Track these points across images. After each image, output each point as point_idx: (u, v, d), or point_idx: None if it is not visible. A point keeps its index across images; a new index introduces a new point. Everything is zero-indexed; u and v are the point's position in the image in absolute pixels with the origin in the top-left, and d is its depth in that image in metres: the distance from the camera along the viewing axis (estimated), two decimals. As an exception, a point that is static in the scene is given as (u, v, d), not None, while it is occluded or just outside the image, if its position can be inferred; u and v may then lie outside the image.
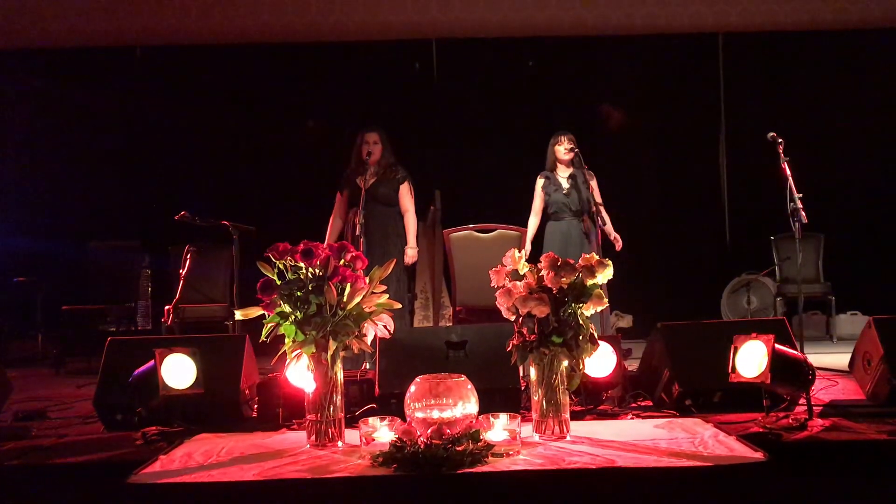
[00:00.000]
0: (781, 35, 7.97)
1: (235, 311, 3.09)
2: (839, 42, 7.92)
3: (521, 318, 2.96)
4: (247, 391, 3.56)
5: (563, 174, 5.47)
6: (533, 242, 5.49)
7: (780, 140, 4.84)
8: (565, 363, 2.92)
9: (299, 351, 2.88)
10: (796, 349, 3.46)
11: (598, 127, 7.90)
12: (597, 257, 2.97)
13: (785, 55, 7.97)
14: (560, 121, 6.28)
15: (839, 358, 4.71)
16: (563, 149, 5.39)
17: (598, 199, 5.40)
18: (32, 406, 3.96)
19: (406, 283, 5.37)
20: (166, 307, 5.71)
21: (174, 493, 2.47)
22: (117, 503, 2.55)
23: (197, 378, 3.20)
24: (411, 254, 5.23)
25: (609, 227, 5.42)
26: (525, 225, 5.48)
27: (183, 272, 5.56)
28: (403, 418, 2.85)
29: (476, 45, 7.99)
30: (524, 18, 7.96)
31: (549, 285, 2.91)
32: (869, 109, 7.78)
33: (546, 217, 5.54)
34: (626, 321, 7.29)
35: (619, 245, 5.38)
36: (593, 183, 5.42)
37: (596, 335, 2.99)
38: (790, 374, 3.14)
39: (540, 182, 5.52)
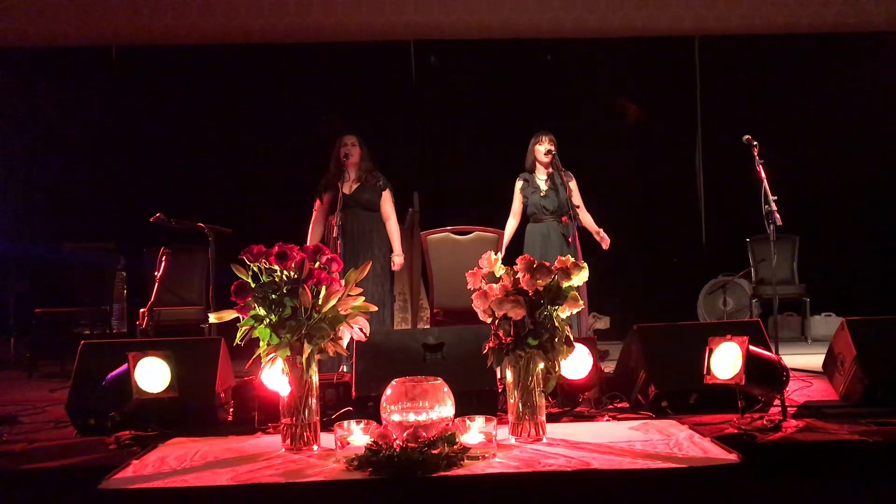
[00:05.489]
0: (757, 38, 8.04)
1: (210, 314, 3.06)
2: (814, 45, 8.01)
3: (497, 321, 2.95)
4: (222, 395, 3.52)
5: (541, 176, 5.47)
6: (512, 244, 5.50)
7: (755, 143, 4.87)
8: (541, 365, 2.91)
9: (274, 354, 2.86)
10: (771, 350, 3.48)
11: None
12: (572, 259, 2.97)
13: (761, 58, 8.04)
14: (538, 122, 6.29)
15: (813, 359, 4.75)
16: (542, 149, 5.39)
17: (577, 200, 5.41)
18: (3, 411, 3.90)
19: (389, 288, 5.35)
20: (141, 310, 5.67)
21: (146, 498, 2.44)
22: (89, 509, 2.52)
23: (171, 382, 3.17)
24: (398, 261, 5.27)
25: (592, 226, 5.43)
26: (503, 227, 5.48)
27: (158, 274, 5.52)
28: (380, 421, 2.84)
29: (454, 47, 8.00)
30: (502, 21, 7.97)
31: (525, 287, 2.90)
32: (843, 112, 7.87)
33: (525, 219, 5.54)
34: (603, 323, 7.32)
35: (605, 244, 5.39)
36: (572, 184, 5.42)
37: (572, 337, 2.99)
38: (765, 376, 3.16)
39: (518, 184, 5.53)
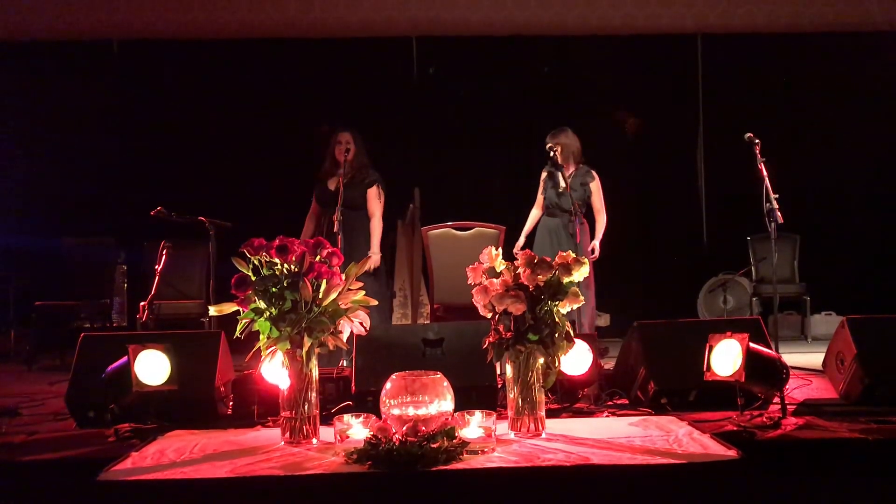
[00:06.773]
0: (759, 37, 8.03)
1: (210, 308, 3.06)
2: (815, 44, 8.00)
3: (497, 316, 2.95)
4: (222, 388, 3.52)
5: (563, 172, 5.40)
6: (530, 235, 5.54)
7: (756, 141, 4.86)
8: (541, 361, 2.91)
9: (274, 348, 2.86)
10: (771, 348, 3.48)
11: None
12: (573, 255, 2.96)
13: (762, 57, 8.03)
14: (538, 118, 6.29)
15: (813, 357, 4.75)
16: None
17: (598, 201, 5.43)
18: (3, 403, 3.90)
19: (380, 288, 5.27)
20: (141, 303, 5.66)
21: (145, 490, 2.44)
22: (88, 501, 2.52)
23: (171, 374, 3.17)
24: (374, 259, 5.12)
25: (598, 232, 5.42)
26: (504, 223, 5.47)
27: (158, 268, 5.51)
28: (379, 416, 2.84)
29: (456, 44, 7.98)
30: (504, 17, 7.97)
31: (526, 283, 2.90)
32: (845, 111, 7.86)
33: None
34: (603, 320, 7.31)
35: (594, 255, 5.36)
36: (593, 185, 5.43)
37: (572, 333, 2.98)
38: (764, 373, 3.16)
39: (543, 176, 5.55)
